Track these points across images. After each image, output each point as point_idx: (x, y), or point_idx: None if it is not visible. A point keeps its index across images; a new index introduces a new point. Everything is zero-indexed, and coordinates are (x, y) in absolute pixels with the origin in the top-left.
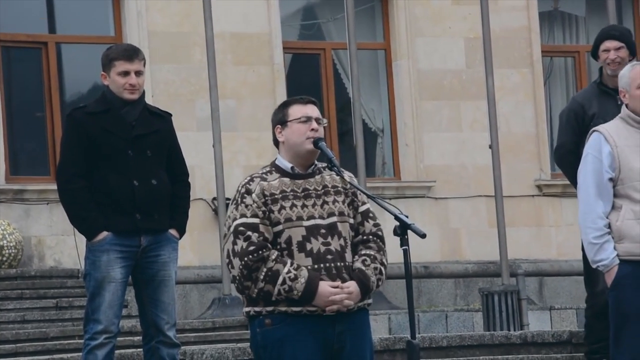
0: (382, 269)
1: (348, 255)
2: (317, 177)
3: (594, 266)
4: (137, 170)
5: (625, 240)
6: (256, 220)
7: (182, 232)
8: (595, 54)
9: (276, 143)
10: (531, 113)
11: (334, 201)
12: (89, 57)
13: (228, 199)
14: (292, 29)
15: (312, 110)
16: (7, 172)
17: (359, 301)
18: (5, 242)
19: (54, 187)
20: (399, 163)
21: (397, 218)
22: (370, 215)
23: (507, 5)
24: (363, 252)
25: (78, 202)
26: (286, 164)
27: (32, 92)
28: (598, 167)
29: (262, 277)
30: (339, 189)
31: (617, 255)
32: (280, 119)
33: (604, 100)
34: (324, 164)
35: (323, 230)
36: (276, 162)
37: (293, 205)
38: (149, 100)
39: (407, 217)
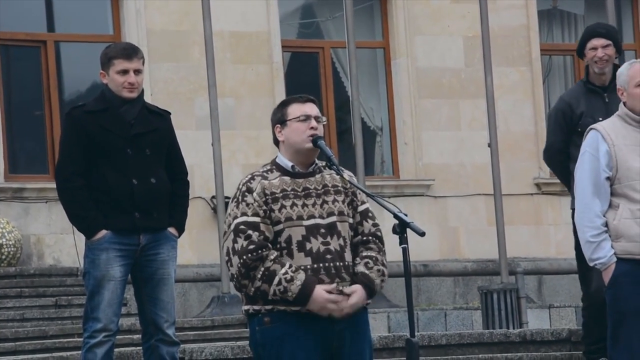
0: (384, 270)
1: (347, 255)
2: (318, 176)
3: (591, 264)
4: (136, 168)
5: (623, 239)
6: (257, 219)
7: (181, 230)
8: (581, 52)
9: (276, 142)
10: (530, 111)
11: (334, 201)
12: (88, 56)
13: (227, 197)
14: (291, 27)
15: (311, 109)
16: (6, 170)
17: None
18: (4, 240)
19: (53, 185)
20: (398, 161)
21: (396, 216)
22: (370, 215)
23: (506, 4)
24: (364, 253)
25: (77, 200)
26: (287, 163)
27: (31, 90)
28: (595, 165)
29: (259, 276)
30: (339, 188)
31: (614, 253)
32: (279, 118)
33: (591, 99)
34: (324, 163)
35: (323, 230)
36: (277, 160)
37: (293, 205)
38: (147, 98)
39: (406, 215)
